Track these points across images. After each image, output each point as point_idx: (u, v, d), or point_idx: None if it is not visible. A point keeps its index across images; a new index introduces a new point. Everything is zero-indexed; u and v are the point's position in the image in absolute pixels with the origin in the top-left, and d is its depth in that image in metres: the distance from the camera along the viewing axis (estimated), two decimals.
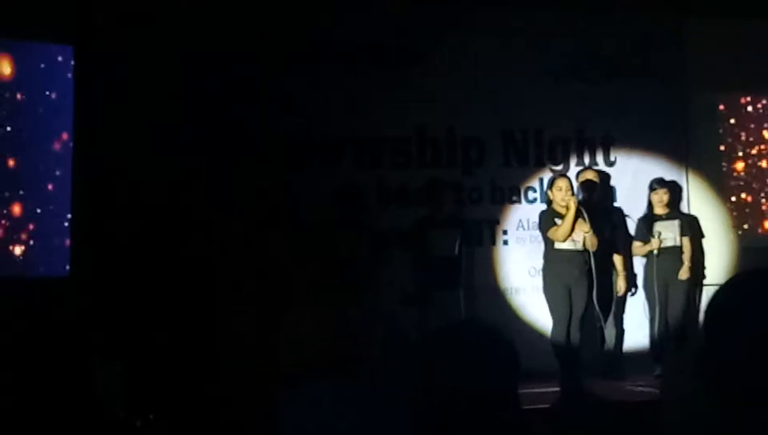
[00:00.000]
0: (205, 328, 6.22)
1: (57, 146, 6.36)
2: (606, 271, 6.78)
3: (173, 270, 6.29)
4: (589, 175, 7.09)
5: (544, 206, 7.23)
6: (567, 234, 6.38)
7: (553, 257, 6.51)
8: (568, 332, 6.41)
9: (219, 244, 6.51)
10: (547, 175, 7.47)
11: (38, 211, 6.27)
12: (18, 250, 6.18)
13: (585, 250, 6.45)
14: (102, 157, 6.44)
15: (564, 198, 6.40)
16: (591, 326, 6.90)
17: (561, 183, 6.52)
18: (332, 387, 2.27)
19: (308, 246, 6.61)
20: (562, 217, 6.41)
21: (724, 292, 2.57)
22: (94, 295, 6.12)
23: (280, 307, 6.54)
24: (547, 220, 6.50)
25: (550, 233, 6.45)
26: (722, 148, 8.00)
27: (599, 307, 6.57)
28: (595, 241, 6.44)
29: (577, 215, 6.38)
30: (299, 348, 2.47)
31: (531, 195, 7.45)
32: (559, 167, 7.54)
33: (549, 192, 6.62)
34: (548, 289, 6.54)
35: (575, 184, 7.05)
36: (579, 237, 6.42)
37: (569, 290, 6.44)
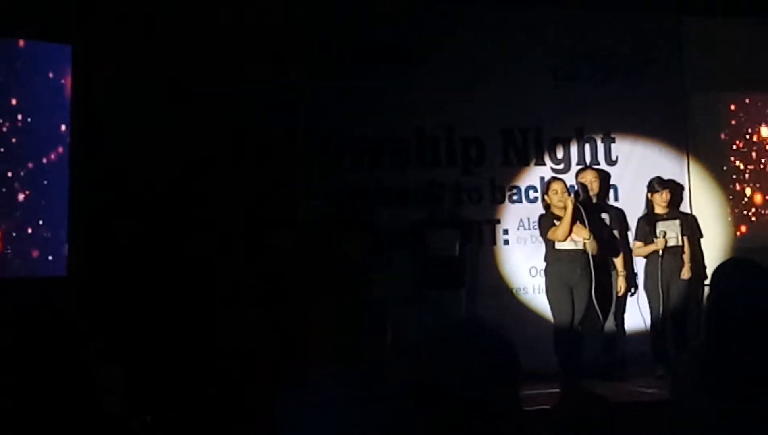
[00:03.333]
0: (204, 328, 6.22)
1: (56, 146, 6.35)
2: (606, 270, 6.78)
3: (172, 270, 6.28)
4: (589, 176, 7.09)
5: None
6: (566, 233, 6.41)
7: (554, 257, 6.54)
8: (571, 332, 6.43)
9: (218, 243, 6.50)
10: (548, 174, 7.48)
11: (37, 210, 6.27)
12: (16, 250, 6.17)
13: (586, 250, 6.46)
14: (101, 157, 6.43)
15: (561, 199, 6.44)
16: (592, 326, 6.91)
17: (556, 186, 6.59)
18: (332, 387, 2.27)
19: (308, 246, 6.60)
20: (560, 218, 6.46)
21: (725, 290, 2.57)
22: (93, 295, 6.12)
23: (279, 307, 6.58)
24: (547, 222, 6.55)
25: (550, 234, 6.49)
26: (722, 146, 8.00)
27: (598, 306, 6.57)
28: (594, 246, 6.47)
29: (576, 216, 6.41)
30: (299, 348, 2.46)
31: (532, 194, 7.45)
32: (560, 166, 7.54)
33: (546, 196, 6.69)
34: (550, 290, 6.57)
35: (574, 183, 7.08)
36: (579, 238, 6.45)
37: (571, 290, 6.47)
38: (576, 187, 6.89)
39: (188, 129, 6.51)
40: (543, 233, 6.60)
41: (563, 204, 6.40)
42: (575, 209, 6.39)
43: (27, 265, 6.20)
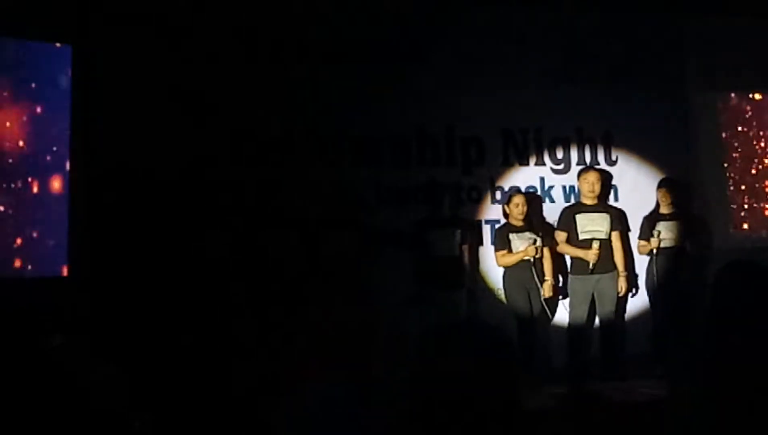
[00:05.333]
0: (204, 327, 6.22)
1: (56, 146, 6.35)
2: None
3: (172, 269, 6.28)
4: (591, 177, 7.09)
5: (546, 205, 7.31)
6: (509, 265, 6.81)
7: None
8: (533, 332, 6.70)
9: (218, 243, 6.50)
10: (548, 174, 7.49)
11: (37, 210, 6.27)
12: (16, 250, 6.17)
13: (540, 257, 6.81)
14: (101, 157, 6.43)
15: (521, 212, 6.82)
16: (588, 327, 6.96)
17: (517, 199, 6.90)
18: (331, 387, 2.26)
19: (307, 245, 6.60)
20: (517, 230, 6.80)
21: (724, 290, 2.57)
22: (93, 295, 6.12)
23: (279, 307, 6.56)
24: (501, 238, 6.88)
25: (499, 255, 6.85)
26: (722, 147, 8.00)
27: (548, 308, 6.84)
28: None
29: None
30: (299, 348, 2.46)
31: None
32: (560, 166, 7.54)
33: (506, 206, 6.95)
34: (508, 293, 6.85)
35: (576, 183, 7.08)
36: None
37: (528, 293, 6.75)
38: (577, 189, 6.93)
39: (188, 129, 6.51)
40: (494, 246, 6.92)
41: (531, 251, 6.71)
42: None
43: (25, 265, 6.20)
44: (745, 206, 8.00)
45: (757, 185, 8.03)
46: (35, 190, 6.28)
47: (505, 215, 6.97)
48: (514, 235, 6.82)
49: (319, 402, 2.26)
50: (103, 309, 6.02)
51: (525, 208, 6.85)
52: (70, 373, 2.40)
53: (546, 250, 6.86)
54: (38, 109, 6.31)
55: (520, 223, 6.86)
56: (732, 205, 7.94)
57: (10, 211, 6.15)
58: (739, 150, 8.03)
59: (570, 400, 5.56)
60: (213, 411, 5.35)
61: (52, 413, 2.30)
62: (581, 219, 6.98)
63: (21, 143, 6.22)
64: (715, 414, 2.09)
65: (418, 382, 1.80)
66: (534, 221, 6.99)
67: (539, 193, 7.44)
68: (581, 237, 6.94)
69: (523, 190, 7.41)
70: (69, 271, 6.27)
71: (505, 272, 6.88)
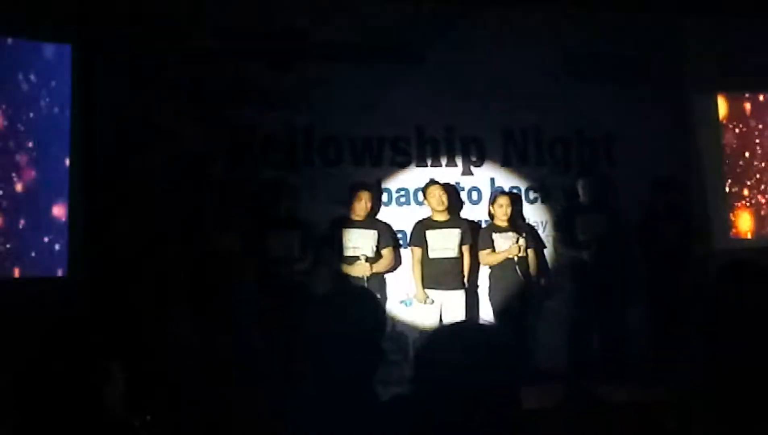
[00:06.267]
0: (204, 327, 6.22)
1: (55, 146, 6.35)
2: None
3: (172, 270, 6.28)
4: (588, 184, 7.12)
5: (546, 206, 7.29)
6: (494, 264, 6.81)
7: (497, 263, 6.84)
8: (524, 331, 6.75)
9: (218, 243, 6.50)
10: (548, 175, 7.49)
11: (37, 210, 6.27)
12: (17, 249, 6.17)
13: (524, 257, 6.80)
14: (101, 157, 6.43)
15: (505, 213, 6.84)
16: (581, 329, 6.98)
17: (502, 200, 6.93)
18: (332, 387, 2.27)
19: (307, 245, 6.61)
20: (501, 231, 6.81)
21: (724, 290, 2.57)
22: (93, 295, 6.12)
23: (280, 306, 6.54)
24: (485, 238, 6.89)
25: (483, 254, 6.84)
26: (722, 147, 8.00)
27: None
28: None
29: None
30: (299, 348, 2.46)
31: (531, 195, 7.45)
32: (560, 166, 7.54)
33: (491, 207, 6.99)
34: (492, 293, 6.82)
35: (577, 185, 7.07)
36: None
37: (513, 292, 6.74)
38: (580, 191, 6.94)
39: (188, 129, 6.52)
40: (479, 247, 6.88)
41: (516, 250, 6.72)
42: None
43: (27, 265, 6.20)
44: (745, 203, 8.00)
45: (757, 185, 8.03)
46: (36, 190, 6.28)
47: (491, 216, 7.00)
48: (497, 234, 6.85)
49: (321, 402, 2.27)
50: (103, 309, 6.02)
51: (509, 209, 6.89)
52: (70, 373, 2.40)
53: (531, 251, 6.88)
54: (38, 109, 6.31)
55: (504, 224, 6.89)
56: (732, 206, 7.94)
57: (10, 211, 6.15)
58: (740, 150, 8.03)
59: (569, 400, 5.57)
60: (213, 411, 5.35)
61: (52, 413, 2.30)
62: (581, 220, 7.00)
63: (22, 143, 6.22)
64: (715, 415, 2.09)
65: (419, 381, 1.80)
66: (518, 222, 7.02)
67: (539, 193, 7.44)
68: (581, 238, 6.95)
69: (523, 190, 7.43)
70: (69, 271, 6.27)
71: (490, 272, 6.88)
